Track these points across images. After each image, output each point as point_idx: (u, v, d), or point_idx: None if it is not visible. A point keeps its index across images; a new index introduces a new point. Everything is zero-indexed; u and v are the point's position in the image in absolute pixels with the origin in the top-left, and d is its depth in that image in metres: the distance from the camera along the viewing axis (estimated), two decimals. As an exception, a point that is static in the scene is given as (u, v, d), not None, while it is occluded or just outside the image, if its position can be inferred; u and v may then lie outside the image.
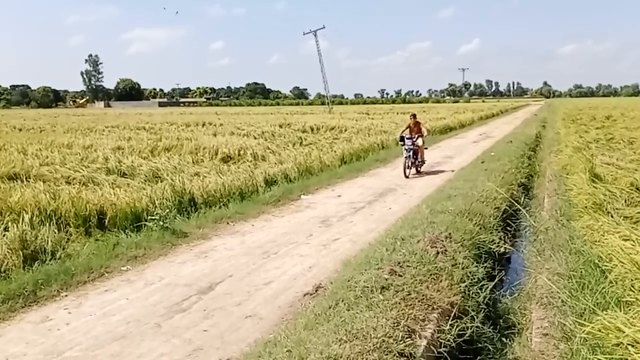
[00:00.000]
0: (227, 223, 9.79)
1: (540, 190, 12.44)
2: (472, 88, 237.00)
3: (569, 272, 5.66)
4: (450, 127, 35.04)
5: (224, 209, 10.60)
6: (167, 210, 9.41)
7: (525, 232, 9.26)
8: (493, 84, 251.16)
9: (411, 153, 15.04)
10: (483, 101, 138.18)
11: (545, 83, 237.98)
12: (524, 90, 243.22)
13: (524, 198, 11.50)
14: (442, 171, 16.07)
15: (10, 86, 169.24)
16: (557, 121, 33.97)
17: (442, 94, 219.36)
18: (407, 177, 14.74)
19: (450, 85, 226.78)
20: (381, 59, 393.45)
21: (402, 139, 15.47)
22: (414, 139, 15.32)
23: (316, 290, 5.91)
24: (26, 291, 6.24)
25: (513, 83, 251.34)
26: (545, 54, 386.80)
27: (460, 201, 9.08)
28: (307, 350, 3.80)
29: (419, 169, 15.73)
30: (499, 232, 8.26)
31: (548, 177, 13.08)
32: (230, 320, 5.57)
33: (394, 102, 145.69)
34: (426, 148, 16.51)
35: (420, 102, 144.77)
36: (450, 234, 6.86)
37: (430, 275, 5.50)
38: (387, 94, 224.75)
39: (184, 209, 10.32)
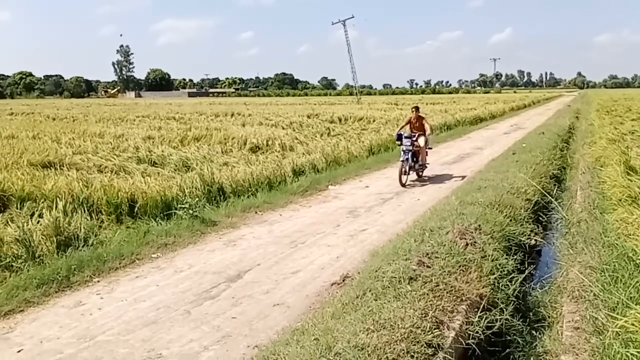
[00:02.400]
0: (256, 212, 9.86)
1: (573, 182, 12.18)
2: (503, 78, 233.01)
3: (602, 266, 5.55)
4: (481, 117, 34.60)
5: (252, 199, 10.68)
6: (197, 199, 9.52)
7: (557, 224, 9.10)
8: (525, 75, 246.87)
9: (410, 155, 12.29)
10: (514, 92, 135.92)
11: (579, 73, 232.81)
12: (556, 80, 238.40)
13: (556, 190, 11.28)
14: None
15: (44, 76, 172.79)
16: (591, 112, 33.18)
17: (473, 85, 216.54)
18: (403, 185, 12.10)
19: (481, 75, 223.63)
20: (411, 49, 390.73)
21: (399, 137, 12.65)
22: (414, 138, 12.59)
23: (343, 280, 5.92)
24: (60, 276, 6.39)
25: (546, 73, 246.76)
26: (580, 43, 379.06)
27: (491, 192, 8.96)
28: (334, 338, 3.81)
29: (419, 173, 13.15)
30: (529, 224, 8.13)
31: (581, 169, 12.80)
32: (259, 308, 5.62)
33: (423, 92, 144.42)
34: (430, 148, 13.73)
35: (450, 92, 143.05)
36: (479, 225, 6.78)
37: (459, 266, 5.45)
38: (417, 84, 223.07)
39: (213, 198, 10.42)
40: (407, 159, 12.22)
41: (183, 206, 9.04)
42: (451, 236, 6.27)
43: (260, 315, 5.43)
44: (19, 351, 4.78)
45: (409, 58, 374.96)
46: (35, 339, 5.01)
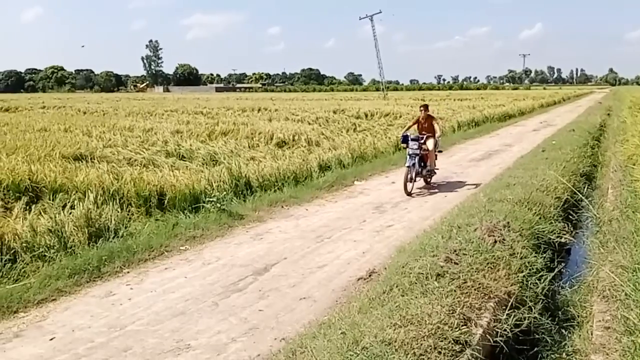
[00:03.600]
0: (282, 207, 9.92)
1: (604, 180, 11.95)
2: (532, 74, 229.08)
3: (634, 265, 5.43)
4: (509, 114, 34.15)
5: (279, 193, 10.75)
6: (224, 193, 9.62)
7: (588, 223, 8.94)
8: (555, 71, 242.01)
9: (416, 160, 10.94)
10: (544, 88, 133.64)
11: (610, 70, 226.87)
12: (587, 77, 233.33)
13: (587, 188, 11.08)
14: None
15: (75, 70, 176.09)
16: (623, 109, 32.39)
17: (501, 81, 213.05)
18: (409, 193, 10.76)
19: (510, 71, 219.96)
20: (438, 44, 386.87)
21: (404, 139, 11.32)
22: (422, 140, 11.25)
23: (370, 275, 5.93)
24: (91, 267, 6.52)
25: (576, 70, 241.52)
26: (611, 39, 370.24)
27: (520, 190, 8.85)
28: (361, 333, 3.82)
29: (427, 180, 11.79)
30: (559, 222, 8.01)
31: (613, 167, 12.54)
32: (285, 301, 5.66)
33: (450, 88, 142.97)
34: (440, 151, 12.40)
35: (478, 88, 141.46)
36: (508, 222, 6.70)
37: (487, 264, 5.40)
38: (444, 80, 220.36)
39: (240, 192, 10.51)
40: (414, 164, 10.87)
41: (211, 199, 9.14)
42: (479, 233, 6.22)
43: (286, 308, 5.47)
44: (51, 339, 4.90)
45: (437, 53, 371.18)
46: (67, 328, 5.13)
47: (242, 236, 8.14)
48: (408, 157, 10.94)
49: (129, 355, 4.55)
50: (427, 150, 11.35)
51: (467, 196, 9.92)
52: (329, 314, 4.94)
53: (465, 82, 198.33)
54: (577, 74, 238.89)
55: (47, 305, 5.66)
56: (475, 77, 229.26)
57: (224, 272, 6.58)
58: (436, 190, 11.55)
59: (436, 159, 11.92)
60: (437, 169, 12.06)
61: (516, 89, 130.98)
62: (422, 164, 11.29)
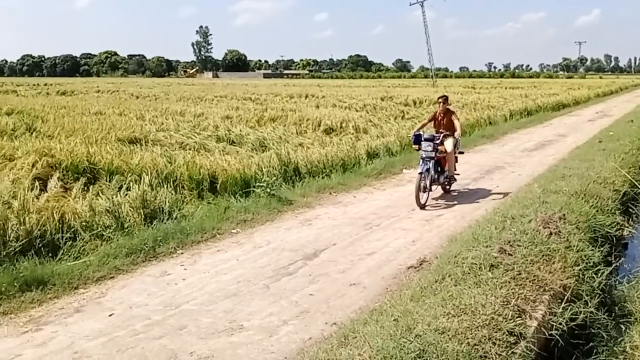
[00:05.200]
0: (330, 193, 9.96)
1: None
2: (588, 63, 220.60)
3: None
4: (564, 103, 33.06)
5: (327, 180, 10.78)
6: (274, 178, 9.71)
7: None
8: (612, 59, 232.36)
9: (431, 164, 8.99)
10: (600, 77, 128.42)
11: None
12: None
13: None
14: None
15: (128, 56, 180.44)
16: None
17: (555, 69, 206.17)
18: (422, 206, 8.89)
19: (565, 59, 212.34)
20: (490, 31, 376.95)
21: (416, 139, 9.42)
22: (438, 140, 9.24)
23: (420, 264, 5.91)
24: (146, 247, 6.72)
25: (635, 58, 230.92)
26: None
27: (576, 181, 8.61)
28: (414, 321, 3.82)
29: (446, 187, 9.95)
30: (617, 215, 7.76)
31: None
32: (335, 286, 5.71)
33: (502, 76, 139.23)
34: (461, 153, 10.47)
35: (530, 76, 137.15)
36: (564, 214, 6.53)
37: (542, 256, 5.30)
38: (495, 67, 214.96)
39: (289, 178, 10.59)
40: (428, 169, 8.97)
41: (261, 184, 9.25)
42: (534, 225, 6.10)
43: (337, 293, 5.52)
44: (110, 315, 5.09)
45: (488, 40, 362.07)
46: (124, 305, 5.32)
47: (291, 221, 8.23)
48: (421, 161, 9.06)
49: (185, 333, 4.69)
50: (445, 152, 9.37)
51: (520, 187, 9.70)
52: (379, 301, 4.95)
53: (517, 70, 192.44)
54: (635, 62, 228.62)
55: (105, 283, 5.87)
56: (528, 65, 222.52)
57: (274, 256, 6.68)
58: (450, 205, 10.33)
59: (457, 162, 10.02)
60: (458, 174, 10.18)
61: (571, 77, 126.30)
62: (439, 169, 9.36)
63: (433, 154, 8.99)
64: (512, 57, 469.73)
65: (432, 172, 8.99)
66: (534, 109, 28.15)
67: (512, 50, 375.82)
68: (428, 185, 8.98)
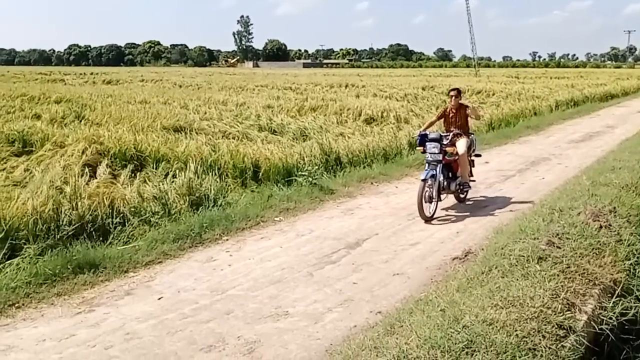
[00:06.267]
0: (371, 183, 9.95)
1: None
2: (637, 52, 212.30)
3: None
4: (612, 94, 32.01)
5: (368, 169, 10.77)
6: (316, 167, 9.76)
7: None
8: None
9: (438, 170, 7.81)
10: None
11: None
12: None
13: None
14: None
15: (171, 45, 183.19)
16: None
17: (602, 59, 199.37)
18: (427, 219, 7.63)
19: (613, 48, 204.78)
20: (535, 19, 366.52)
21: (421, 140, 8.08)
22: (447, 141, 8.03)
23: (465, 256, 5.85)
24: (193, 233, 6.87)
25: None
26: None
27: (626, 174, 8.34)
28: (461, 311, 3.80)
29: (460, 196, 8.60)
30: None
31: None
32: (379, 275, 5.72)
33: (546, 66, 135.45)
34: (478, 156, 9.07)
35: (576, 66, 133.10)
36: (615, 208, 6.36)
37: (592, 249, 5.18)
38: (540, 57, 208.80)
39: (330, 167, 10.63)
40: (434, 175, 7.72)
41: (303, 174, 9.32)
42: (583, 217, 5.95)
43: (380, 282, 5.53)
44: (159, 298, 5.24)
45: (532, 29, 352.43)
46: (173, 289, 5.46)
47: (333, 210, 8.26)
48: (426, 165, 7.93)
49: (231, 318, 4.78)
50: (457, 154, 8.11)
51: (567, 179, 9.47)
52: (424, 291, 4.94)
53: (562, 60, 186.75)
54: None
55: (154, 267, 6.04)
56: (574, 55, 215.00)
57: (317, 244, 6.72)
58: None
59: (473, 166, 8.82)
60: (474, 180, 8.85)
61: (619, 67, 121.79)
62: (450, 174, 8.18)
63: (440, 157, 7.82)
64: (558, 46, 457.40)
65: (441, 178, 7.83)
66: (581, 100, 27.37)
67: (558, 39, 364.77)
68: (434, 194, 7.70)
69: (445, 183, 7.98)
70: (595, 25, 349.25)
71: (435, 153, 7.82)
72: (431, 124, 8.83)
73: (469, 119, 8.56)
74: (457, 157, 8.10)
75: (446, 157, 7.94)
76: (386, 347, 3.49)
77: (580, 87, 34.51)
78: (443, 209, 8.24)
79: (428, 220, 7.61)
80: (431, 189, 7.68)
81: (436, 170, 7.77)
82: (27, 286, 5.29)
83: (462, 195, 8.59)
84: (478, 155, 9.04)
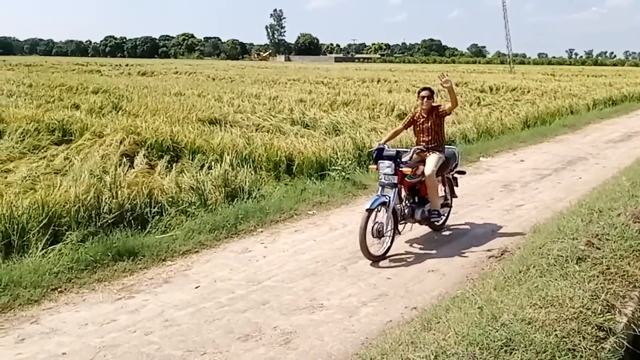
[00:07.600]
0: (405, 179, 9.88)
1: None
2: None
3: None
4: (651, 93, 31.13)
5: (402, 165, 10.69)
6: (349, 162, 9.76)
7: None
8: None
9: (392, 195, 6.09)
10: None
11: None
12: None
13: None
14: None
15: (204, 38, 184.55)
16: None
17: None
18: (374, 259, 5.90)
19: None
20: (572, 16, 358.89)
21: (377, 155, 6.35)
22: (407, 157, 6.42)
23: (502, 254, 5.81)
24: (229, 224, 6.95)
25: None
26: None
27: (669, 175, 8.16)
28: (499, 310, 3.79)
29: (434, 225, 6.89)
30: None
31: None
32: (413, 272, 5.71)
33: (583, 63, 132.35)
34: (462, 173, 7.48)
35: (614, 64, 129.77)
36: (656, 209, 6.22)
37: (633, 251, 5.09)
38: (576, 54, 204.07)
39: (363, 162, 10.62)
40: (385, 203, 6.02)
41: (336, 168, 9.34)
42: (623, 219, 5.84)
43: (415, 279, 5.53)
44: (196, 287, 5.33)
45: (569, 26, 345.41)
46: (209, 278, 5.55)
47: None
48: (379, 189, 6.26)
49: (267, 308, 4.85)
50: (422, 175, 6.40)
51: (605, 180, 9.28)
52: (460, 288, 4.93)
53: (600, 58, 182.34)
54: None
55: (190, 257, 6.14)
56: (612, 53, 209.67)
57: (351, 238, 6.70)
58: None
59: (456, 185, 7.18)
60: (450, 205, 7.18)
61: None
62: (416, 199, 6.59)
63: (395, 180, 6.15)
64: (595, 43, 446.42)
65: (397, 205, 6.20)
66: (619, 99, 26.72)
67: (595, 36, 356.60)
68: (386, 228, 5.98)
69: (406, 211, 6.40)
70: (634, 23, 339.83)
71: (389, 174, 6.17)
72: (396, 133, 6.99)
73: (444, 125, 6.84)
74: (421, 178, 6.43)
75: (407, 179, 6.33)
76: (424, 343, 3.51)
77: (618, 86, 33.72)
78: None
79: (376, 260, 5.93)
80: (382, 220, 5.98)
81: (391, 196, 6.07)
82: (69, 271, 5.44)
83: (436, 223, 6.88)
84: (462, 173, 7.45)
